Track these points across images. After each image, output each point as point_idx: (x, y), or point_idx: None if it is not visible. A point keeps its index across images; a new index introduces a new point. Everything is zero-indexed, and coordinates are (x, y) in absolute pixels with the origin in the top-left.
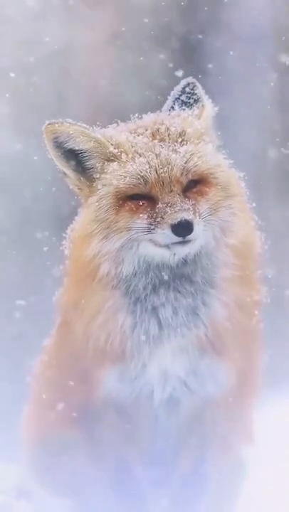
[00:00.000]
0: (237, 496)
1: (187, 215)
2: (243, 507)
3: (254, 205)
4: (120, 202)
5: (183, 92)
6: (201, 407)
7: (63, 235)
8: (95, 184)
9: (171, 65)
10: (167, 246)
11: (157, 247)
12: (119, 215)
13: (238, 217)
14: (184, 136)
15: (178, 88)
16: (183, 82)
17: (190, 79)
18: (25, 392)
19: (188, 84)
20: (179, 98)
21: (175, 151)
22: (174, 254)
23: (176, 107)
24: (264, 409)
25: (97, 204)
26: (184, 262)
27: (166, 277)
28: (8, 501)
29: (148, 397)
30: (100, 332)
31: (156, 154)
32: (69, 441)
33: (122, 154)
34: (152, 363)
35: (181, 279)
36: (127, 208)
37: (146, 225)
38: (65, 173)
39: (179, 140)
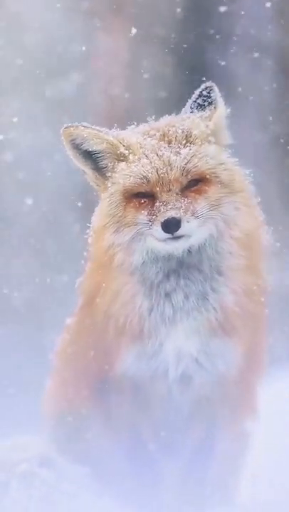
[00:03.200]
0: (242, 466)
1: (175, 214)
2: (247, 476)
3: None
4: (127, 199)
5: (200, 95)
6: (211, 383)
7: (87, 224)
8: (107, 182)
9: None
10: (164, 241)
11: (158, 241)
12: (126, 210)
13: (242, 212)
14: (189, 138)
15: (197, 91)
16: (202, 86)
17: (209, 83)
18: (47, 368)
19: (206, 87)
20: (196, 101)
21: (177, 152)
22: (177, 247)
23: (193, 109)
24: (268, 386)
25: (108, 200)
26: (189, 252)
27: (174, 266)
28: (31, 469)
29: (163, 374)
30: (120, 313)
31: (159, 156)
32: (87, 414)
33: (130, 155)
34: (168, 342)
35: (189, 267)
36: (132, 204)
37: (146, 222)
38: (84, 171)
39: (184, 142)
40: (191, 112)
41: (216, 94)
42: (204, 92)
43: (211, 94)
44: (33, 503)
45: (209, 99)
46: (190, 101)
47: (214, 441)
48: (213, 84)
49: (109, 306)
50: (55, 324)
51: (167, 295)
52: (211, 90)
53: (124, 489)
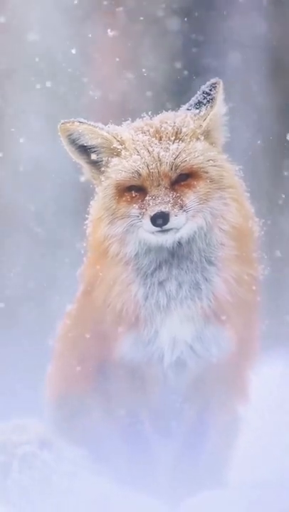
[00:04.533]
0: (233, 447)
1: (164, 208)
2: (239, 458)
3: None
4: (120, 192)
5: (203, 92)
6: (205, 368)
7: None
8: (102, 176)
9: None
10: (154, 233)
11: (149, 233)
12: (119, 204)
13: (231, 207)
14: (179, 134)
15: (202, 88)
16: (208, 82)
17: (215, 79)
18: (48, 353)
19: (211, 84)
20: (197, 97)
21: (166, 148)
22: (166, 239)
23: (192, 106)
24: (260, 372)
25: (102, 193)
26: (179, 244)
27: (166, 256)
28: (32, 450)
29: (159, 360)
30: (117, 301)
31: (149, 152)
32: (86, 397)
33: (123, 150)
34: (163, 329)
35: (180, 258)
36: (125, 198)
37: (137, 215)
38: (81, 165)
39: (173, 138)
40: (189, 109)
41: (218, 92)
42: (206, 89)
43: (212, 92)
44: (33, 483)
45: (209, 97)
46: (194, 96)
47: (207, 423)
48: (219, 81)
49: (106, 294)
50: (55, 310)
51: (161, 284)
52: (213, 88)
53: (121, 469)
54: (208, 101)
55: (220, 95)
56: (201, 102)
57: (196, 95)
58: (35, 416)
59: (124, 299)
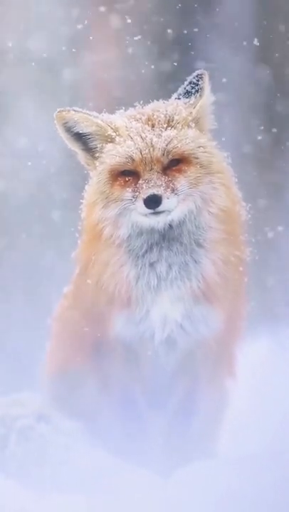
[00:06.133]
0: (222, 421)
1: (157, 191)
2: (228, 430)
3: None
4: (114, 177)
5: (190, 82)
6: (194, 345)
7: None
8: (96, 162)
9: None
10: (146, 215)
11: (142, 216)
12: (113, 188)
13: (219, 191)
14: (171, 122)
15: (188, 78)
16: (194, 74)
17: (200, 71)
18: (47, 332)
19: (197, 75)
20: (185, 87)
21: (159, 135)
22: (158, 221)
23: (182, 95)
24: (246, 348)
25: (97, 178)
26: (170, 226)
27: (157, 239)
28: (30, 424)
29: (150, 337)
30: (109, 282)
31: (142, 138)
32: (82, 373)
33: (117, 137)
34: (154, 309)
35: (170, 240)
36: (118, 182)
37: (130, 198)
38: (76, 152)
39: (165, 125)
40: (179, 98)
41: (205, 82)
42: (194, 80)
43: (199, 82)
44: (30, 454)
45: (197, 87)
46: (181, 86)
47: (196, 397)
48: (205, 72)
49: (100, 275)
50: (52, 291)
51: (152, 265)
52: (200, 78)
53: (115, 441)
54: (196, 90)
55: (207, 85)
56: (189, 92)
57: (184, 85)
58: (32, 391)
59: (117, 280)
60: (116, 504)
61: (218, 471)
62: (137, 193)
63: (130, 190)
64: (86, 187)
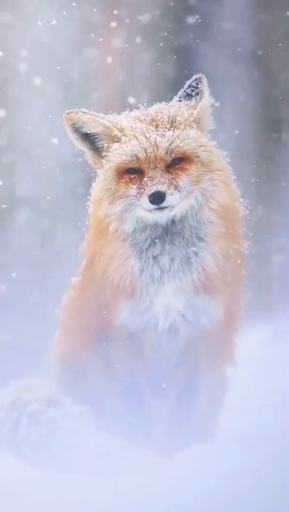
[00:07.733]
0: (221, 405)
1: (161, 188)
2: (227, 415)
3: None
4: (120, 175)
5: (189, 86)
6: (195, 334)
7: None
8: (103, 160)
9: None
10: (151, 211)
11: (146, 211)
12: (119, 185)
13: (220, 188)
14: (174, 122)
15: (188, 82)
16: (192, 77)
17: (199, 75)
18: (55, 321)
19: (196, 79)
20: (185, 91)
21: (162, 135)
22: (162, 216)
23: (182, 98)
24: (244, 337)
25: (103, 176)
26: (173, 221)
27: (160, 233)
28: (40, 408)
29: (153, 327)
30: (115, 274)
31: (147, 137)
32: (89, 360)
33: (123, 137)
34: (157, 299)
35: (173, 234)
36: (124, 180)
37: (135, 194)
38: (83, 151)
39: (168, 126)
40: (180, 101)
41: (204, 85)
42: (193, 83)
43: (199, 86)
44: (40, 437)
45: (196, 90)
46: (181, 90)
47: (197, 383)
48: (203, 76)
49: (105, 267)
50: (61, 282)
51: (155, 258)
52: (199, 82)
53: (119, 425)
54: (196, 93)
55: (206, 88)
56: (190, 95)
57: (184, 89)
58: (42, 377)
59: (122, 272)
60: (121, 483)
61: (217, 452)
62: (142, 190)
63: (135, 187)
64: (93, 184)
